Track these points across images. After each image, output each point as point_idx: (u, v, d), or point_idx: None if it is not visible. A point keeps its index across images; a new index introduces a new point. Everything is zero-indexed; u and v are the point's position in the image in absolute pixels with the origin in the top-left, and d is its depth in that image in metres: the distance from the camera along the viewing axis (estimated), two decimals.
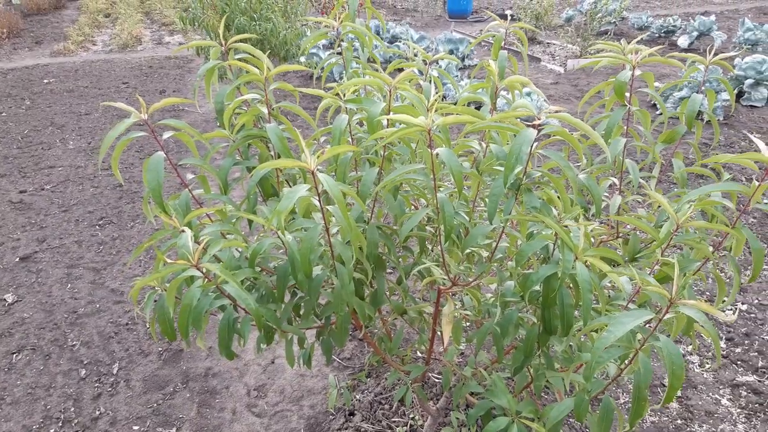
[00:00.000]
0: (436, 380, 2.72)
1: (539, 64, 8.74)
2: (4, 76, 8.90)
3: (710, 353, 2.90)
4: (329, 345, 1.83)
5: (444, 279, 1.64)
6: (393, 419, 2.53)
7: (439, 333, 1.84)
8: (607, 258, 1.34)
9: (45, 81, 8.57)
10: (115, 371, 2.91)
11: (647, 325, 1.16)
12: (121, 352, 3.04)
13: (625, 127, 1.59)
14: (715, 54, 1.57)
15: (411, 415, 2.53)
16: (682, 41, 9.11)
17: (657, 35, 9.84)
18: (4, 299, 3.50)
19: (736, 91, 6.29)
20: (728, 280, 3.33)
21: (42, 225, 4.43)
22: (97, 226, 4.39)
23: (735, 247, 1.39)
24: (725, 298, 1.46)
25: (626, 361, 1.22)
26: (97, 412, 2.66)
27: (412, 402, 2.54)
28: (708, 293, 3.36)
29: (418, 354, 2.88)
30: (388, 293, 1.86)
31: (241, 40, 1.66)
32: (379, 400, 2.64)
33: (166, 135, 1.49)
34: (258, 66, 1.58)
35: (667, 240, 1.32)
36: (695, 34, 9.01)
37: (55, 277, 3.73)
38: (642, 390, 1.14)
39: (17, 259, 3.95)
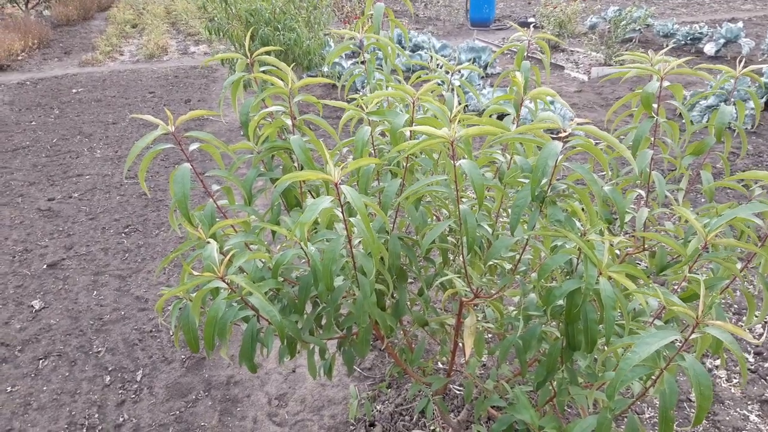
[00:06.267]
0: (458, 392, 2.70)
1: (562, 72, 8.69)
2: (35, 86, 9.11)
3: (738, 367, 2.83)
4: (351, 356, 1.83)
5: (466, 291, 1.63)
6: (413, 431, 2.51)
7: (460, 345, 1.82)
8: (632, 274, 1.32)
9: (73, 90, 8.76)
10: (138, 378, 2.94)
11: (675, 343, 1.14)
12: (145, 359, 3.07)
13: (653, 139, 1.57)
14: (745, 65, 1.54)
15: (432, 427, 2.52)
16: (709, 48, 8.98)
17: (683, 42, 9.71)
18: (32, 306, 3.56)
19: (763, 100, 6.16)
20: (757, 293, 3.25)
21: (69, 232, 4.51)
22: (123, 234, 4.46)
23: (764, 264, 1.36)
24: (756, 315, 1.43)
25: (651, 380, 1.20)
26: (121, 419, 2.69)
27: (433, 414, 2.52)
28: (736, 306, 3.29)
29: (440, 365, 2.86)
30: (409, 304, 1.85)
31: (266, 53, 1.68)
32: (399, 412, 2.62)
33: (193, 147, 1.51)
34: (282, 78, 1.60)
35: (694, 257, 1.29)
36: (722, 41, 8.87)
37: (82, 284, 3.79)
38: (668, 411, 1.12)
39: (45, 266, 4.02)
